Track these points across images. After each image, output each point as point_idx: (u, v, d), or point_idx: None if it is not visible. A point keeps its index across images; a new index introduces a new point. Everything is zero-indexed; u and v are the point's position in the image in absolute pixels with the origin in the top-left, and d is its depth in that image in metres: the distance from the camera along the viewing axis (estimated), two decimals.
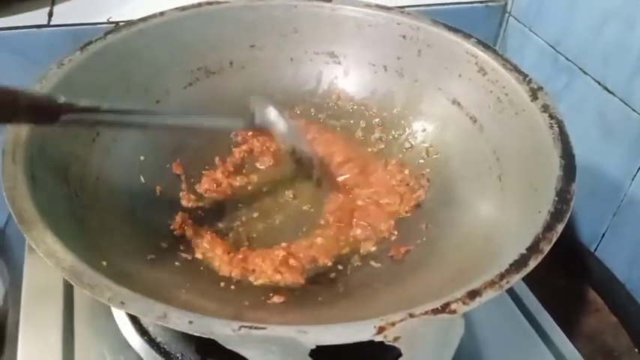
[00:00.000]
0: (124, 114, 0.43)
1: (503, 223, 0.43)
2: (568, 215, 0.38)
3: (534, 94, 0.48)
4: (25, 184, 0.38)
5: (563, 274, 0.66)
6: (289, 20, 0.60)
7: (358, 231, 0.50)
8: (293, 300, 0.42)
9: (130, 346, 0.47)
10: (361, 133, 0.59)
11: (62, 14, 0.64)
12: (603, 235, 0.65)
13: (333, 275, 0.46)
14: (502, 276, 0.34)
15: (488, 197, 0.46)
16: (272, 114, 0.51)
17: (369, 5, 0.59)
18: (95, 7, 0.67)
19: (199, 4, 0.58)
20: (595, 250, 0.66)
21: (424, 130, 0.56)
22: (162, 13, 0.56)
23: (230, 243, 0.48)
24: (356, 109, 0.60)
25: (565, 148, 0.43)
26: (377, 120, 0.59)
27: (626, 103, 0.59)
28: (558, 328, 0.52)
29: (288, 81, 0.60)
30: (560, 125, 0.45)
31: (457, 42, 0.55)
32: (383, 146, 0.57)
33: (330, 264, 0.47)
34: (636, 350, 0.59)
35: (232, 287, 0.44)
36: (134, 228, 0.45)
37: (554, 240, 0.37)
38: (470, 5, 0.75)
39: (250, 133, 0.58)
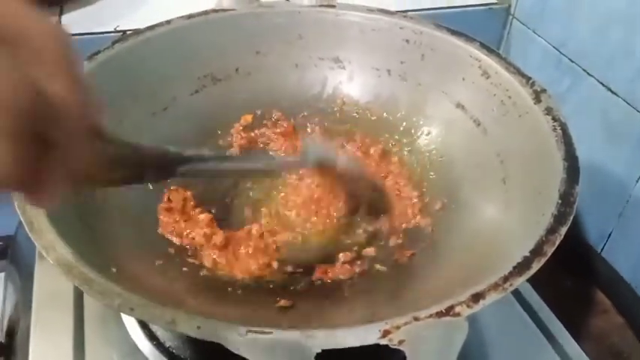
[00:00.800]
0: (222, 160, 0.42)
1: (506, 225, 0.43)
2: (571, 218, 0.38)
3: (537, 96, 0.48)
4: None
5: (569, 275, 0.66)
6: (294, 27, 0.60)
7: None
8: (299, 304, 0.42)
9: (139, 350, 0.47)
10: (366, 137, 0.59)
11: (70, 24, 0.65)
12: (609, 235, 0.65)
13: (338, 279, 0.46)
14: (506, 279, 0.35)
15: (492, 200, 0.47)
16: (325, 151, 0.49)
17: (372, 10, 0.60)
18: (103, 16, 0.67)
19: (205, 12, 0.59)
20: (601, 251, 0.66)
21: (428, 134, 0.56)
22: (168, 22, 0.57)
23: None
24: (361, 113, 0.60)
25: (568, 150, 0.43)
26: (380, 124, 0.59)
27: (630, 104, 0.59)
28: (565, 329, 0.52)
29: (294, 86, 0.61)
30: (564, 128, 0.45)
31: (460, 46, 0.55)
32: (388, 150, 0.58)
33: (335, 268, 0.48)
34: None
35: (239, 292, 0.44)
36: (142, 234, 0.46)
37: (557, 243, 0.37)
38: (473, 8, 0.75)
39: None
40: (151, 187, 0.50)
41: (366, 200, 0.51)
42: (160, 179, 0.42)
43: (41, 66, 0.21)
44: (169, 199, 0.50)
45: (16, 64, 0.20)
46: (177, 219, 0.49)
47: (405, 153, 0.57)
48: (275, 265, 0.47)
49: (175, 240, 0.47)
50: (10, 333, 0.56)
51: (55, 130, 0.21)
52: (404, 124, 0.58)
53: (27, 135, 0.20)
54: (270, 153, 0.58)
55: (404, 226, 0.51)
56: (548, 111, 0.47)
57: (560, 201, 0.39)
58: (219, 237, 0.48)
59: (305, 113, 0.60)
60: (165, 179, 0.39)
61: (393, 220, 0.51)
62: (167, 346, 0.47)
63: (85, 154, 0.24)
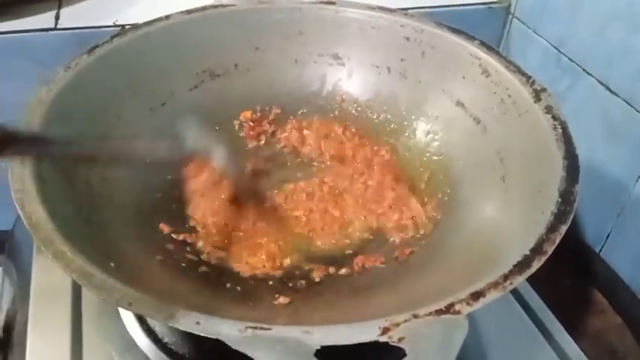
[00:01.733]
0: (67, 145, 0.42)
1: (506, 224, 0.43)
2: (571, 216, 0.38)
3: (537, 95, 0.48)
4: (34, 186, 0.39)
5: (567, 274, 0.66)
6: (293, 23, 0.60)
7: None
8: (298, 301, 0.42)
9: (137, 346, 0.47)
10: (365, 134, 0.59)
11: (69, 18, 0.65)
12: (608, 235, 0.65)
13: (338, 276, 0.46)
14: (506, 277, 0.35)
15: (492, 198, 0.47)
16: (205, 137, 0.48)
17: (372, 7, 0.59)
18: (101, 10, 0.67)
19: (204, 8, 0.58)
20: (600, 250, 0.67)
21: (428, 132, 0.56)
22: (167, 17, 0.56)
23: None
24: (360, 110, 0.60)
25: (568, 149, 0.43)
26: (380, 121, 0.59)
27: (630, 104, 0.59)
28: (563, 328, 0.52)
29: (293, 83, 0.61)
30: (564, 126, 0.45)
31: (460, 44, 0.55)
32: (387, 147, 0.57)
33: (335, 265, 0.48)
34: None
35: (238, 288, 0.44)
36: (141, 229, 0.46)
37: (557, 241, 0.37)
38: (473, 7, 0.75)
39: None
40: (149, 180, 0.50)
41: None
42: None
43: None
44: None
45: None
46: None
47: (405, 151, 0.57)
48: (275, 262, 0.47)
49: (175, 235, 0.47)
50: (8, 328, 0.55)
51: None
52: (403, 122, 0.58)
53: None
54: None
55: (403, 223, 0.51)
56: (548, 110, 0.47)
57: (560, 199, 0.39)
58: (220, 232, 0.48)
59: (304, 110, 0.60)
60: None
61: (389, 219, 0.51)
62: (165, 341, 0.47)
63: None
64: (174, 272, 0.43)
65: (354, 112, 0.60)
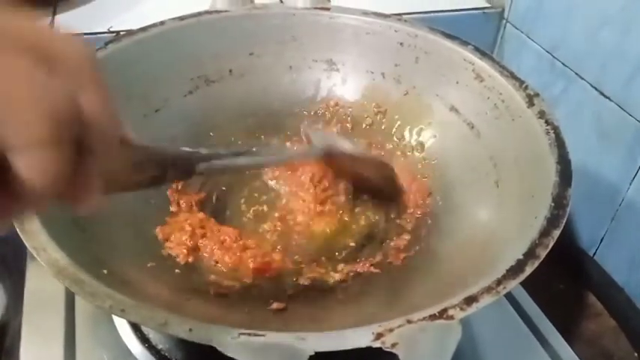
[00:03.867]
0: (236, 155, 0.42)
1: (500, 228, 0.43)
2: (564, 221, 0.38)
3: (531, 100, 0.48)
4: None
5: (562, 278, 0.66)
6: (288, 28, 0.60)
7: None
8: (292, 307, 0.42)
9: (131, 353, 0.47)
10: (360, 139, 0.59)
11: (63, 24, 0.65)
12: (602, 239, 0.65)
13: (331, 281, 0.46)
14: (499, 282, 0.35)
15: (486, 203, 0.47)
16: (331, 138, 0.53)
17: (366, 13, 0.60)
18: (96, 17, 0.67)
19: (199, 14, 0.58)
20: (594, 254, 0.67)
21: (422, 137, 0.56)
22: (162, 23, 0.56)
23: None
24: (354, 116, 0.60)
25: (561, 153, 0.43)
26: (375, 127, 0.59)
27: (622, 108, 0.59)
28: (557, 332, 0.52)
29: (287, 88, 0.61)
30: (557, 131, 0.45)
31: (454, 49, 0.55)
32: (382, 153, 0.58)
33: (329, 268, 0.47)
34: (636, 354, 0.59)
35: (232, 295, 0.44)
36: (134, 236, 0.46)
37: (550, 245, 0.37)
38: (467, 12, 0.75)
39: None
40: None
41: (376, 184, 0.53)
42: (181, 179, 0.46)
43: (76, 81, 0.23)
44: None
45: (56, 79, 0.22)
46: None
47: (399, 156, 0.57)
48: (270, 268, 0.47)
49: (168, 243, 0.47)
50: (1, 335, 0.55)
51: (90, 138, 0.23)
52: (397, 126, 0.58)
53: (67, 143, 0.22)
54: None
55: (397, 227, 0.51)
56: (542, 114, 0.47)
57: (553, 204, 0.39)
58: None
59: (298, 115, 0.60)
60: (186, 179, 0.43)
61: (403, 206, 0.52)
62: (159, 348, 0.47)
63: (116, 159, 0.27)
64: (168, 279, 0.43)
65: (348, 117, 0.60)
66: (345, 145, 0.53)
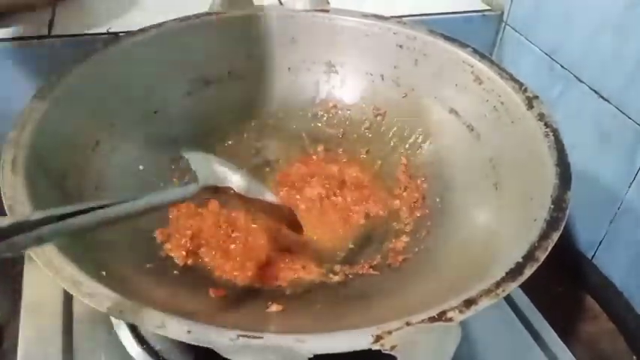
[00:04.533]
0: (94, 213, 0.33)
1: (499, 231, 0.43)
2: (564, 223, 0.38)
3: (530, 102, 0.48)
4: (25, 194, 0.38)
5: (560, 281, 0.66)
6: (287, 30, 0.60)
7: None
8: (291, 308, 0.42)
9: (129, 355, 0.47)
10: (359, 142, 0.59)
11: (62, 25, 0.65)
12: (600, 242, 0.65)
13: (331, 284, 0.46)
14: (498, 284, 0.35)
15: (485, 205, 0.47)
16: (220, 169, 0.42)
17: (365, 15, 0.60)
18: (95, 18, 0.67)
19: (197, 16, 0.58)
20: (592, 257, 0.67)
21: (421, 139, 0.56)
22: (161, 24, 0.56)
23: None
24: (353, 118, 0.60)
25: (560, 156, 0.43)
26: (374, 129, 0.59)
27: (621, 111, 0.60)
28: (556, 335, 0.52)
29: (286, 90, 0.61)
30: (556, 134, 0.45)
31: (453, 51, 0.55)
32: (381, 155, 0.58)
33: (328, 270, 0.47)
34: (634, 357, 0.59)
35: (231, 296, 0.44)
36: (132, 237, 0.46)
37: (549, 248, 0.37)
38: (466, 15, 0.75)
39: None
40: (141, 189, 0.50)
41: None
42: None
43: None
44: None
45: None
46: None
47: (398, 158, 0.57)
48: (270, 270, 0.47)
49: (167, 245, 0.47)
50: None
51: None
52: (397, 129, 0.58)
53: None
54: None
55: (396, 230, 0.51)
56: (541, 117, 0.47)
57: (552, 206, 0.39)
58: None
59: (297, 117, 0.60)
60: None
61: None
62: (157, 349, 0.47)
63: None
64: (166, 280, 0.43)
65: (347, 119, 0.60)
66: (234, 179, 0.42)
